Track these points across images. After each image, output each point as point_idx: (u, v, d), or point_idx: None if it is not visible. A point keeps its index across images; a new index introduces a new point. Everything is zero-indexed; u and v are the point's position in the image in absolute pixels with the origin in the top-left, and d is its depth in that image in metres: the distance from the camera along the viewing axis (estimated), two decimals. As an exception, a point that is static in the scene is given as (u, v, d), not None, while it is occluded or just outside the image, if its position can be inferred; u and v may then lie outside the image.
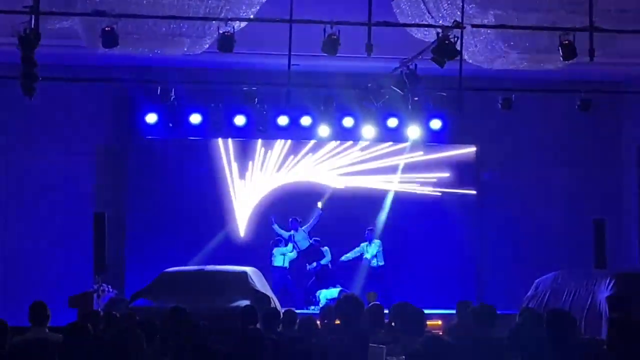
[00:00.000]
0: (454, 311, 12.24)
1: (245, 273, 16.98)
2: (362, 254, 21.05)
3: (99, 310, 15.06)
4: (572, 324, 8.81)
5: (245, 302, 14.61)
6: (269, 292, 17.00)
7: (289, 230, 21.05)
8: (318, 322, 10.46)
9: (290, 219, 21.14)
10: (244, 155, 21.88)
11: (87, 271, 18.42)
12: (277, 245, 20.85)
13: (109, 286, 18.39)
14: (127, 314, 11.61)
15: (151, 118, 20.31)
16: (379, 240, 21.08)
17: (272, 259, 20.75)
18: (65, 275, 19.45)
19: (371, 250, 20.91)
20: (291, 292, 20.40)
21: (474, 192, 22.14)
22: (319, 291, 20.51)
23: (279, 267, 20.69)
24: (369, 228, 21.21)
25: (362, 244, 21.05)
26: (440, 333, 11.93)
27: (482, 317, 9.69)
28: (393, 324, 9.66)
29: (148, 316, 10.56)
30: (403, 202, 21.99)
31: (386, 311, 10.30)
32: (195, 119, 20.18)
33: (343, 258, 21.09)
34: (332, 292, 20.29)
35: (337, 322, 10.23)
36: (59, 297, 15.49)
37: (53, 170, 20.40)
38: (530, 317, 9.83)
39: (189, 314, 10.46)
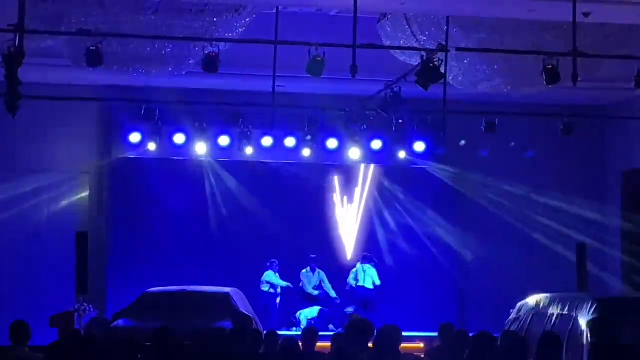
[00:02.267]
0: (436, 334, 12.20)
1: (227, 294, 16.93)
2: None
3: (80, 329, 14.97)
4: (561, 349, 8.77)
5: (227, 323, 14.57)
6: (251, 313, 16.95)
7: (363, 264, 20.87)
8: (300, 344, 10.41)
9: (367, 254, 21.11)
10: (228, 175, 21.78)
11: (69, 290, 18.30)
12: (271, 268, 20.54)
13: (91, 306, 18.29)
14: (108, 334, 11.54)
15: (135, 137, 20.21)
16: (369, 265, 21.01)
17: (261, 284, 20.44)
18: (46, 294, 19.31)
19: (361, 273, 20.85)
20: (271, 313, 20.28)
21: (456, 214, 22.19)
22: (299, 312, 20.44)
23: (266, 292, 20.47)
24: (365, 254, 21.26)
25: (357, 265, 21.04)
26: (422, 356, 11.90)
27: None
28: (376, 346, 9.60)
29: (129, 336, 10.51)
30: (386, 225, 22.03)
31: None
32: (180, 138, 20.12)
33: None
34: (312, 312, 20.25)
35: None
36: (40, 316, 15.38)
37: (36, 189, 20.28)
38: (512, 340, 9.79)
39: (174, 334, 10.39)
